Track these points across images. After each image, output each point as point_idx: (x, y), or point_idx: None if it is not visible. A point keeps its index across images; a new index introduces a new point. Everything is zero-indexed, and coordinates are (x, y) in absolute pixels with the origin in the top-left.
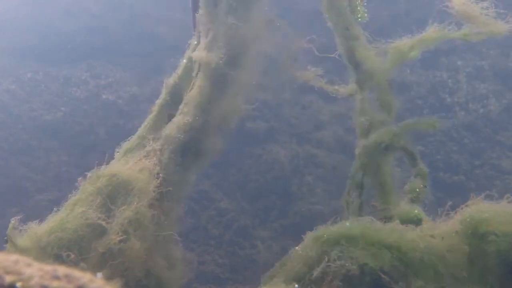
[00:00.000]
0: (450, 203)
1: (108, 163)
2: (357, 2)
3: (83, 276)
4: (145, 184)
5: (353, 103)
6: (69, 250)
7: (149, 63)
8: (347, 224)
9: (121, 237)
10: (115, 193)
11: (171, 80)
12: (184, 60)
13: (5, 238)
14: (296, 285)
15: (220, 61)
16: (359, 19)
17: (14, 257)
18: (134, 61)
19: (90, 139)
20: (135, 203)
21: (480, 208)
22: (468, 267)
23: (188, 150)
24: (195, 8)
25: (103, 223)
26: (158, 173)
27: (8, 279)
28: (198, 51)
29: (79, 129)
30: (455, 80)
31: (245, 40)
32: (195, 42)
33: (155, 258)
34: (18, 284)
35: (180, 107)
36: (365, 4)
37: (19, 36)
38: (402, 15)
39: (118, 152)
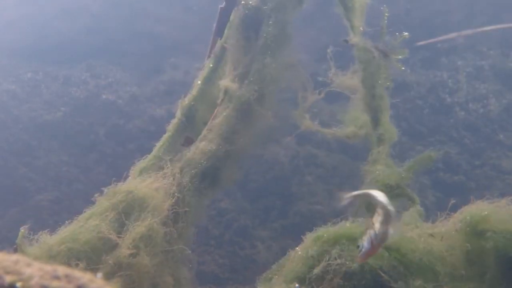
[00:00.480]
0: (453, 201)
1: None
2: (386, 71)
3: (83, 276)
4: (160, 202)
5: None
6: (79, 261)
7: (149, 63)
8: (347, 224)
9: (131, 251)
10: (130, 209)
11: (186, 101)
12: (199, 82)
13: (15, 246)
14: (297, 285)
15: (252, 97)
16: (386, 84)
17: (14, 257)
18: (134, 61)
19: (90, 139)
20: (148, 220)
21: (479, 207)
22: (467, 266)
23: (207, 176)
24: (219, 33)
25: (115, 237)
26: (174, 193)
27: (8, 279)
28: (227, 80)
29: (79, 129)
30: (455, 80)
31: (276, 80)
32: (211, 65)
33: (163, 276)
34: (18, 284)
35: (204, 132)
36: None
37: (19, 36)
38: (403, 14)
39: (132, 170)
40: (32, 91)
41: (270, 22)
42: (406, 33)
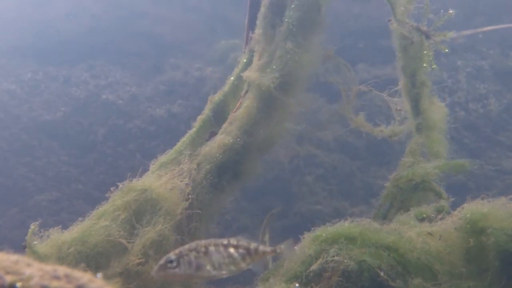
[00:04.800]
0: (452, 198)
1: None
2: (426, 52)
3: (83, 276)
4: (173, 205)
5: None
6: (87, 264)
7: (148, 63)
8: (346, 224)
9: (140, 259)
10: (142, 210)
11: (215, 97)
12: (232, 78)
13: (23, 243)
14: (297, 284)
15: (272, 85)
16: (430, 69)
17: (14, 257)
18: (134, 61)
19: (90, 139)
20: (160, 225)
21: (479, 205)
22: (466, 264)
23: (225, 171)
24: (251, 25)
25: (124, 241)
26: (189, 194)
27: (8, 279)
28: (250, 71)
29: (79, 129)
30: (455, 80)
31: (300, 67)
32: (245, 60)
33: (173, 284)
34: (18, 284)
35: (224, 125)
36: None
37: (19, 36)
38: None
39: (153, 164)
40: (32, 91)
41: (293, 6)
42: (452, 11)
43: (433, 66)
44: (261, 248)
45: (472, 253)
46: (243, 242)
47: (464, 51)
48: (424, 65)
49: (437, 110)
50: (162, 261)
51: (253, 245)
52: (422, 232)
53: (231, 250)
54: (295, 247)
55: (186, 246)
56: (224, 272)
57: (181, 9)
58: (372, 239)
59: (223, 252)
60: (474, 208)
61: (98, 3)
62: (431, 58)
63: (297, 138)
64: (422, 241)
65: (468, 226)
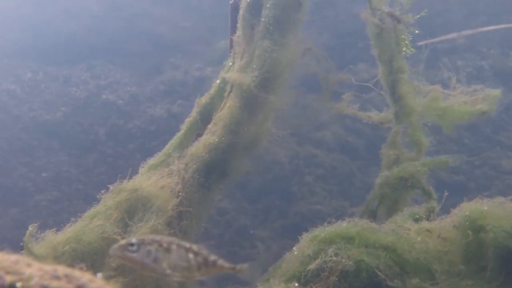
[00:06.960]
0: (447, 194)
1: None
2: (403, 37)
3: (83, 276)
4: (165, 202)
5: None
6: (83, 262)
7: (149, 63)
8: (344, 224)
9: None
10: (134, 209)
11: (202, 100)
12: (218, 81)
13: (21, 244)
14: (296, 284)
15: (252, 83)
16: (405, 53)
17: (14, 257)
18: (134, 61)
19: (90, 139)
20: (152, 221)
21: (478, 203)
22: (465, 262)
23: (212, 170)
24: (233, 29)
25: (119, 238)
26: (179, 191)
27: (8, 279)
28: (232, 72)
29: (79, 129)
30: (455, 80)
31: (279, 64)
32: (230, 63)
33: (167, 279)
34: (18, 284)
35: (209, 126)
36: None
37: (19, 36)
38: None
39: (142, 167)
40: (32, 91)
41: (268, 4)
42: None
43: (410, 50)
44: (220, 262)
45: (470, 251)
46: (203, 251)
47: (464, 51)
48: (404, 49)
49: (430, 93)
50: (123, 242)
51: (212, 257)
52: (421, 229)
53: (190, 255)
54: (258, 272)
55: (151, 236)
56: (177, 274)
57: (181, 9)
58: (370, 239)
59: (183, 254)
60: (473, 206)
61: (98, 3)
62: (407, 42)
63: (297, 138)
64: (420, 240)
65: (467, 223)
